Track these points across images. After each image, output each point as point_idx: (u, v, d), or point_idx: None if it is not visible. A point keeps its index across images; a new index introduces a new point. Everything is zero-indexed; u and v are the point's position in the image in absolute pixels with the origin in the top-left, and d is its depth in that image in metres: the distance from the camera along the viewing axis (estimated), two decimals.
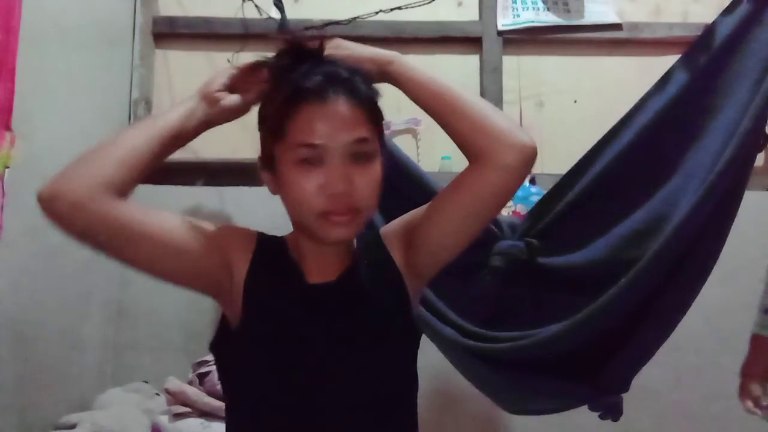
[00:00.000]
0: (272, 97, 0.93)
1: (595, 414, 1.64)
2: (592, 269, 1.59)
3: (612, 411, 1.60)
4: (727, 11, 1.55)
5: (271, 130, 0.91)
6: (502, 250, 1.68)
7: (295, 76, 0.89)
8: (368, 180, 0.90)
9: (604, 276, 1.51)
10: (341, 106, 0.88)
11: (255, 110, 0.97)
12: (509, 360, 1.61)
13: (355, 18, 2.31)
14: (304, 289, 0.95)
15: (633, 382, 1.60)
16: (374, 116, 0.92)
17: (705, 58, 1.53)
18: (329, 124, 0.87)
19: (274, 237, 1.00)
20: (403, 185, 1.61)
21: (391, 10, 2.33)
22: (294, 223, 0.97)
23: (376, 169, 0.91)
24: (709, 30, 1.56)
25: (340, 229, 0.90)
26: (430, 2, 2.34)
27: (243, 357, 0.93)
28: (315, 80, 0.88)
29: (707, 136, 1.50)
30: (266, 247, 0.97)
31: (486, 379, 1.73)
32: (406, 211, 1.02)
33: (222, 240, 0.94)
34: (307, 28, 2.16)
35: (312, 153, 0.87)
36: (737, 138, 1.40)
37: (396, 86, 0.97)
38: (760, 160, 2.14)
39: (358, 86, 0.91)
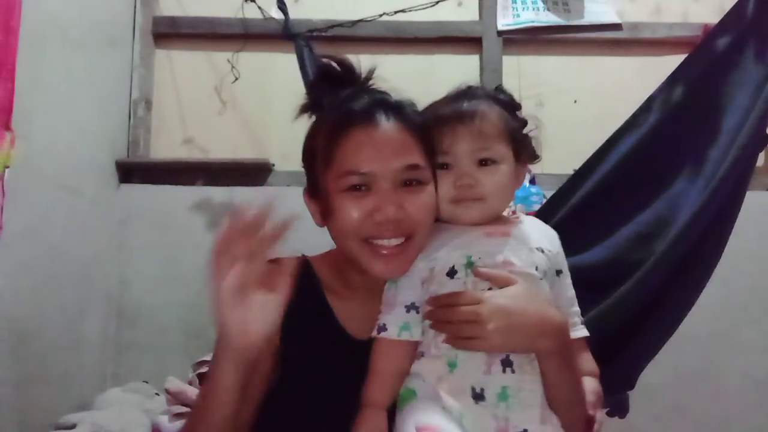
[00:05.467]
0: (319, 124, 0.88)
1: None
2: (597, 271, 1.58)
3: (619, 408, 1.61)
4: (729, 15, 1.55)
5: (320, 159, 0.86)
6: None
7: (341, 99, 0.86)
8: (420, 204, 0.84)
9: (609, 278, 1.50)
10: (391, 130, 0.84)
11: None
12: None
13: (359, 21, 2.31)
14: (346, 345, 0.89)
15: None
16: (426, 143, 0.87)
17: (707, 63, 1.54)
18: (378, 149, 0.83)
19: (308, 268, 0.94)
20: None
21: (395, 12, 2.34)
22: (343, 255, 0.91)
23: (428, 193, 0.86)
24: (712, 34, 1.56)
25: (389, 264, 0.84)
26: (433, 6, 2.34)
27: (281, 414, 0.87)
28: (363, 102, 0.86)
29: (710, 140, 1.50)
30: (302, 283, 0.88)
31: None
32: None
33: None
34: (311, 31, 2.15)
35: (360, 180, 0.83)
36: (739, 143, 1.41)
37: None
38: (760, 160, 2.13)
39: (408, 111, 0.88)
